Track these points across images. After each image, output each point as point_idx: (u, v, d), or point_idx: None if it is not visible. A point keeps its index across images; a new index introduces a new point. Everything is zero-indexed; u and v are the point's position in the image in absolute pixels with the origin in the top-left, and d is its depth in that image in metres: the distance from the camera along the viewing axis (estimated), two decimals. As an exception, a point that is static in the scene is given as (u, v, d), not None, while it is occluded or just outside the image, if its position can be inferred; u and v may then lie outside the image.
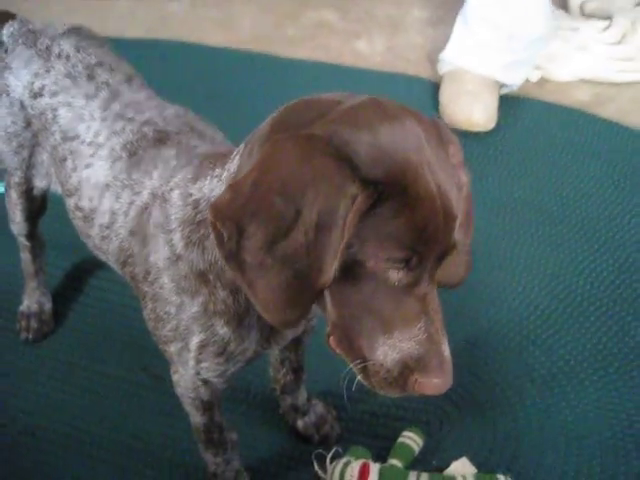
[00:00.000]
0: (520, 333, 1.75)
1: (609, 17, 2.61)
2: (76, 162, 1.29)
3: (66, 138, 1.31)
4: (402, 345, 0.90)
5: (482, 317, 1.79)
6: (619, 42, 2.56)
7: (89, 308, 1.82)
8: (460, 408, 1.60)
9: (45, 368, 1.69)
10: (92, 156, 1.26)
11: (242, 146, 0.99)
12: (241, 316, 1.09)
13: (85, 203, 1.27)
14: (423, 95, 2.53)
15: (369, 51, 2.75)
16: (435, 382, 0.90)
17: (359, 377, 0.94)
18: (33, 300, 1.77)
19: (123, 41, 2.46)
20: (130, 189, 1.19)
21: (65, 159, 1.31)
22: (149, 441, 1.56)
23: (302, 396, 1.55)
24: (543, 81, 2.58)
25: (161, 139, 1.21)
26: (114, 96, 1.31)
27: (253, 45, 2.76)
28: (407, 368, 0.90)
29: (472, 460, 1.48)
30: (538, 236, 2.01)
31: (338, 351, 0.95)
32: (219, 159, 1.07)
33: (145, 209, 1.15)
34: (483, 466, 1.48)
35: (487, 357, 1.70)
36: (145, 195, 1.16)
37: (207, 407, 1.30)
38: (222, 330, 1.10)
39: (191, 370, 1.18)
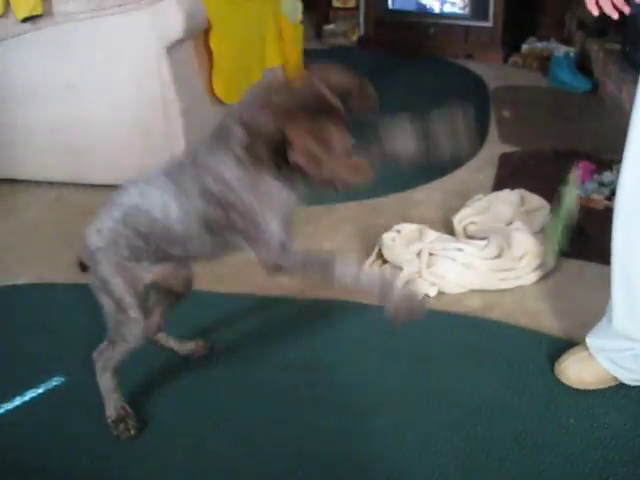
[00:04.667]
0: None
1: (486, 237, 3.07)
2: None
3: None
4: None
5: None
6: (497, 256, 2.99)
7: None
8: None
9: None
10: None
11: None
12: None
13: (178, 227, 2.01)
14: (344, 317, 2.89)
15: (289, 282, 3.09)
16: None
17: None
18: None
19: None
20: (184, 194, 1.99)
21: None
22: None
23: None
24: (440, 294, 2.97)
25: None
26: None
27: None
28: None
29: None
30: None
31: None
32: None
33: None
34: None
35: None
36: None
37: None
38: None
39: (277, 237, 1.92)
